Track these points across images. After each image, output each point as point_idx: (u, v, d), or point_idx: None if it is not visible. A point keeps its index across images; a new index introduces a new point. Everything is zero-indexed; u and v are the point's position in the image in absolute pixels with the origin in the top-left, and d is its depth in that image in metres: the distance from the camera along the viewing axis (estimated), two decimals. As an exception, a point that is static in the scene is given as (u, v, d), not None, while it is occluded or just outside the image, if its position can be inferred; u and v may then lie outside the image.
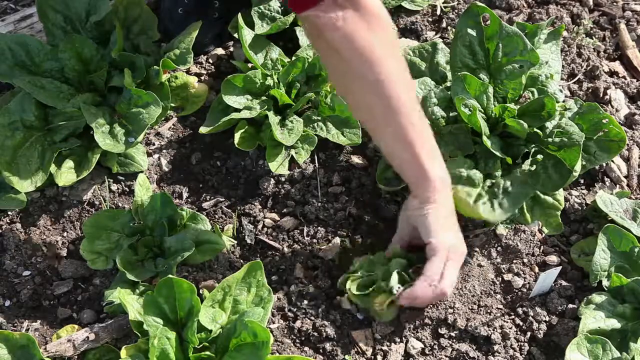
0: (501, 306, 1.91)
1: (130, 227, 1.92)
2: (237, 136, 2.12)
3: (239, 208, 2.09)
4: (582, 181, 2.15)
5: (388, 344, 1.85)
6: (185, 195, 2.13)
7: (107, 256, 1.91)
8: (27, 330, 1.85)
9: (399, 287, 1.77)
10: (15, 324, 1.87)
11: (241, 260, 1.99)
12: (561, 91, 2.11)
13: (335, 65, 1.74)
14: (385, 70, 1.68)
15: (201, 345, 1.66)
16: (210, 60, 2.42)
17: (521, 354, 1.82)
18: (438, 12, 2.57)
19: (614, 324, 1.79)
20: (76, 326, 1.82)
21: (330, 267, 1.97)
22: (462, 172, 1.94)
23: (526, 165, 2.03)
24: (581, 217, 2.08)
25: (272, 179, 2.11)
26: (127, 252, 1.88)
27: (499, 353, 1.82)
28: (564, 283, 1.94)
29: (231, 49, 2.45)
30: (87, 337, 1.75)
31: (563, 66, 2.38)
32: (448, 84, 2.16)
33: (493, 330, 1.85)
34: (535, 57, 2.02)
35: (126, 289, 1.82)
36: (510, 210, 1.91)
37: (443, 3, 2.59)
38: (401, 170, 1.85)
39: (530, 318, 1.87)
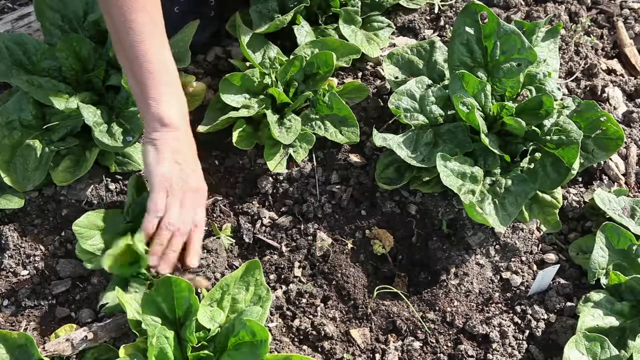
0: (499, 304, 1.91)
1: (122, 227, 1.91)
2: (235, 135, 2.12)
3: (237, 207, 2.09)
4: (580, 179, 2.15)
5: (387, 342, 1.85)
6: (183, 194, 2.12)
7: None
8: (26, 329, 1.85)
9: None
10: (14, 324, 1.87)
11: (239, 259, 2.00)
12: (559, 89, 2.11)
13: None
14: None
15: (199, 344, 1.66)
16: (208, 59, 2.42)
17: (519, 352, 1.82)
18: (436, 11, 2.57)
19: (612, 321, 1.79)
20: (74, 325, 1.82)
21: (329, 266, 1.97)
22: (466, 170, 1.94)
23: (524, 163, 2.03)
24: (579, 215, 2.08)
25: (270, 178, 2.11)
26: None
27: (497, 351, 1.82)
28: (562, 281, 1.94)
29: (229, 47, 2.45)
30: (86, 337, 1.75)
31: (561, 64, 2.38)
32: (446, 82, 2.16)
33: (492, 328, 1.86)
34: (533, 55, 2.02)
35: (123, 288, 1.82)
36: (514, 211, 1.90)
37: (441, 1, 2.58)
38: (137, 103, 1.87)
39: (529, 316, 1.88)
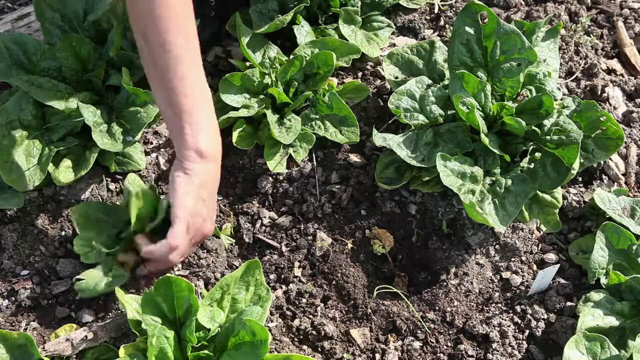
0: (499, 304, 1.91)
1: (123, 222, 1.90)
2: (235, 135, 2.12)
3: (237, 207, 2.09)
4: (580, 179, 2.15)
5: (387, 342, 1.85)
6: (183, 194, 2.12)
7: (100, 251, 1.89)
8: (26, 329, 1.85)
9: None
10: (14, 324, 1.87)
11: (239, 259, 2.00)
12: (559, 89, 2.11)
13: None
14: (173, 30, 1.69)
15: (199, 344, 1.66)
16: (208, 59, 2.42)
17: (519, 352, 1.82)
18: (436, 11, 2.57)
19: (612, 321, 1.79)
20: (74, 325, 1.82)
21: (329, 266, 1.97)
22: (466, 170, 1.94)
23: (524, 163, 2.03)
24: (579, 215, 2.08)
25: (270, 178, 2.11)
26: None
27: (497, 351, 1.82)
28: (562, 281, 1.94)
29: (229, 47, 2.45)
30: (86, 336, 1.75)
31: (561, 64, 2.38)
32: (446, 82, 2.16)
33: (492, 328, 1.86)
34: (533, 55, 2.02)
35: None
36: (514, 211, 1.90)
37: (441, 1, 2.59)
38: (169, 132, 1.86)
39: (529, 316, 1.88)
